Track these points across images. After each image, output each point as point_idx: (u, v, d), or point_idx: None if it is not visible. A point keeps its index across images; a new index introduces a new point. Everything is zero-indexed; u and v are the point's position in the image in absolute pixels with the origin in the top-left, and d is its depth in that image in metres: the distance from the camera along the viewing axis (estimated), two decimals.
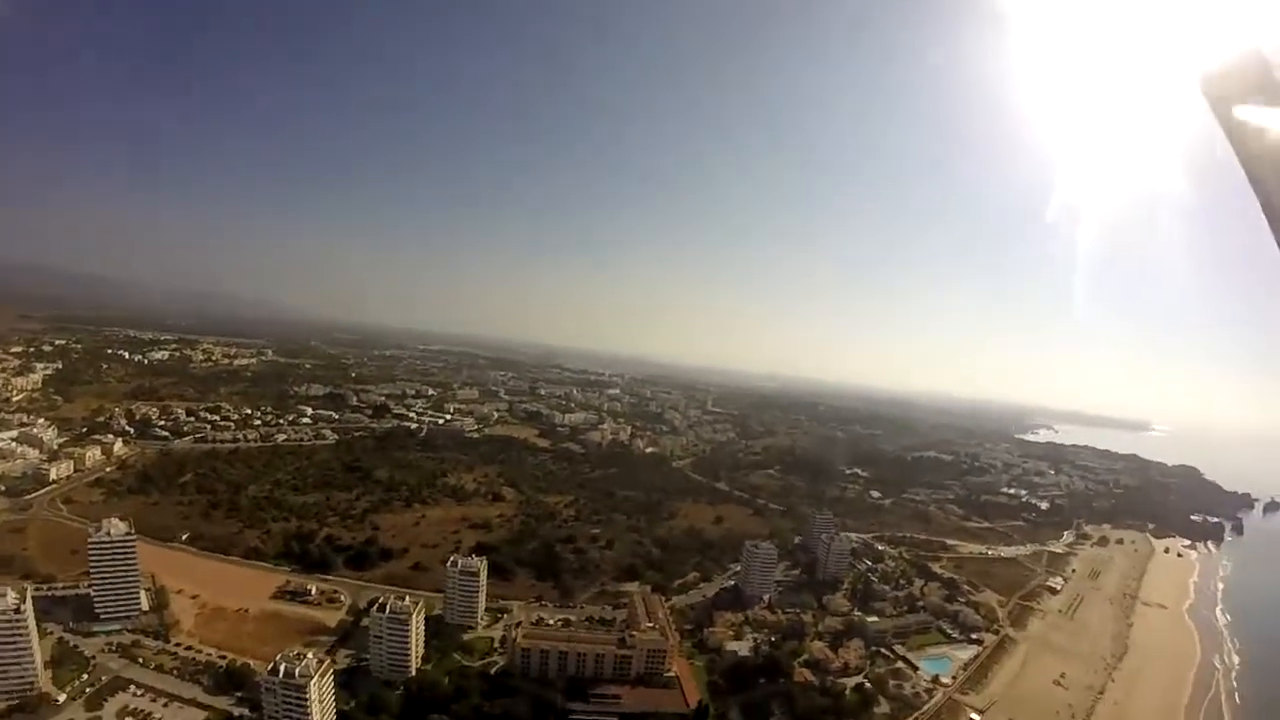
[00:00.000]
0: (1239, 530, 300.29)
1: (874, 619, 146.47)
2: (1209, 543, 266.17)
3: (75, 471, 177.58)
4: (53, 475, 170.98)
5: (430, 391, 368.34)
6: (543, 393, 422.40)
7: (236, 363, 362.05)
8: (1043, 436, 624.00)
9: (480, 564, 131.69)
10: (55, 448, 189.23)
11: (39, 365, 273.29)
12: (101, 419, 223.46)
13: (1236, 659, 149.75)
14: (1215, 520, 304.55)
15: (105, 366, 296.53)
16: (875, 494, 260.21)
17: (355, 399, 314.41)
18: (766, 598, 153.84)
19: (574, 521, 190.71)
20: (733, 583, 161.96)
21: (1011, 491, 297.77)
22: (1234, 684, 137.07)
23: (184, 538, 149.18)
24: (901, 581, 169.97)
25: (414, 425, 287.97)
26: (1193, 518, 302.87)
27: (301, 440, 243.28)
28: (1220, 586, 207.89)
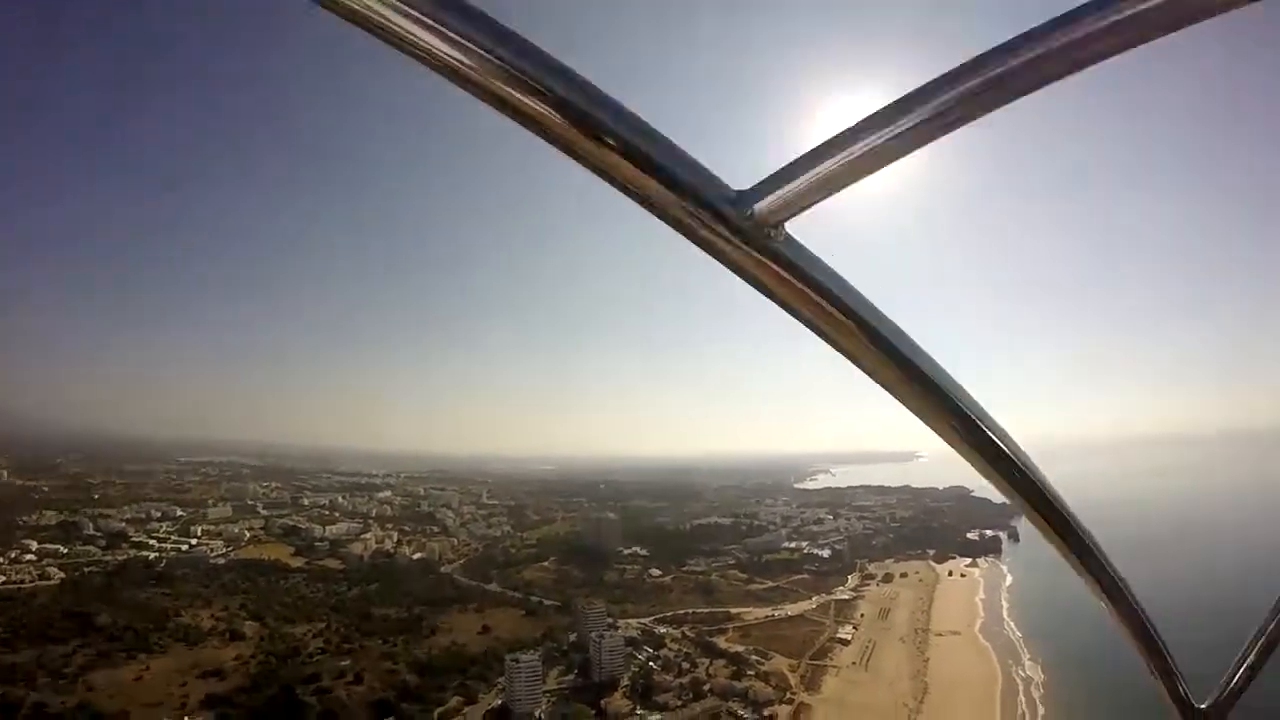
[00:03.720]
0: (1015, 538, 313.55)
1: (657, 716, 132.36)
2: (989, 557, 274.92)
3: None
4: None
5: (179, 512, 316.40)
6: (306, 503, 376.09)
7: None
8: (821, 482, 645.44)
9: None
10: None
11: None
12: None
13: (1037, 666, 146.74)
14: (991, 534, 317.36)
15: None
16: (655, 572, 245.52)
17: (91, 526, 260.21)
18: (538, 713, 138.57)
19: (321, 655, 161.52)
20: (501, 701, 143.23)
21: (793, 545, 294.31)
22: (1038, 692, 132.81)
23: None
24: (685, 666, 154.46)
25: (153, 555, 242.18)
26: (969, 536, 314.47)
27: (22, 582, 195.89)
28: (1006, 598, 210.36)
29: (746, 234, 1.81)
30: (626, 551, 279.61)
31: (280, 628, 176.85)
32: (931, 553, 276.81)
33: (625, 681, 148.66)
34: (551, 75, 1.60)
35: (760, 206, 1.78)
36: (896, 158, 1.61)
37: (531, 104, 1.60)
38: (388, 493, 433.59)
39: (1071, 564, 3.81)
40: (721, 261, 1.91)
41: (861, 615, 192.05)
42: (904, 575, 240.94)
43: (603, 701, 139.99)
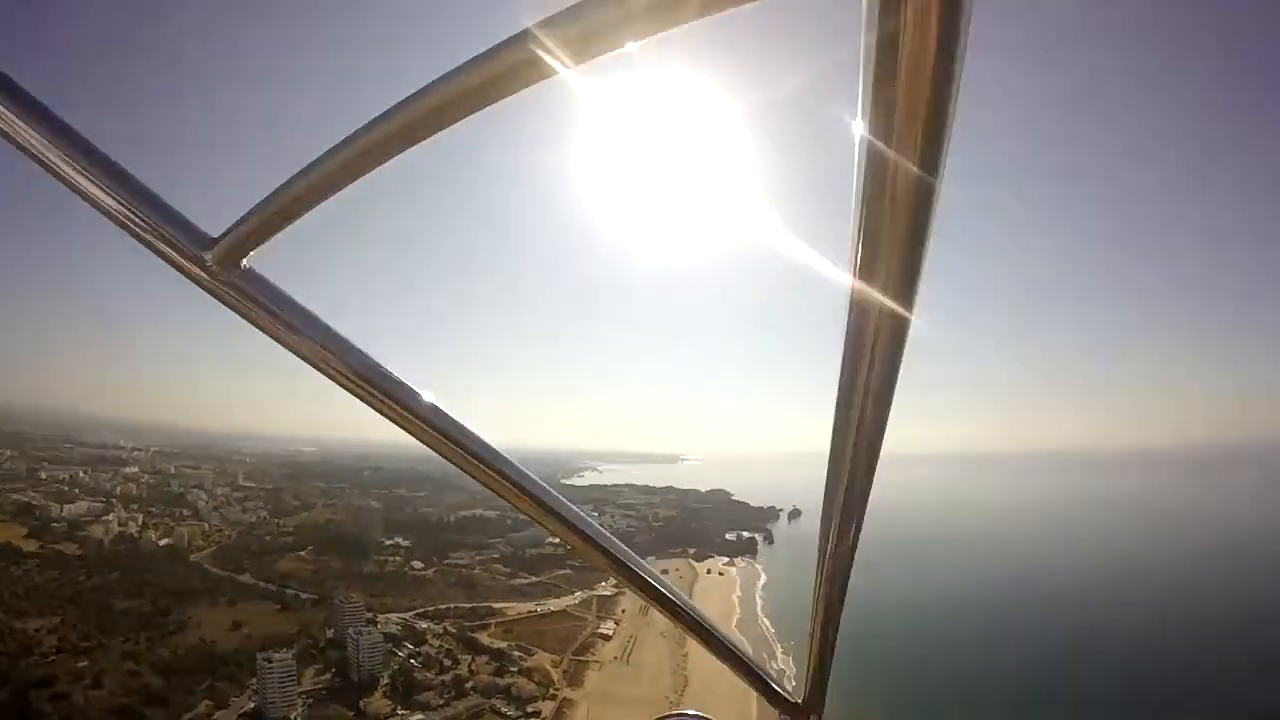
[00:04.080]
0: (770, 540, 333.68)
1: (419, 717, 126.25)
2: (746, 557, 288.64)
3: None
4: None
5: None
6: (44, 476, 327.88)
7: None
8: (588, 479, 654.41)
9: None
10: None
11: None
12: None
13: (789, 659, 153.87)
14: (748, 535, 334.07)
15: None
16: (417, 564, 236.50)
17: None
18: (293, 716, 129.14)
19: (57, 653, 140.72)
20: (254, 704, 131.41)
21: (557, 541, 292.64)
22: (790, 683, 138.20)
23: None
24: (447, 663, 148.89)
25: None
26: (728, 536, 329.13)
27: None
28: (760, 595, 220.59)
29: (214, 271, 2.13)
30: (388, 542, 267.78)
31: (10, 621, 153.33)
32: (692, 551, 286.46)
33: (385, 680, 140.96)
34: (51, 129, 1.72)
35: (225, 244, 2.08)
36: (331, 193, 1.84)
37: (40, 153, 1.69)
38: (135, 468, 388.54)
39: (632, 591, 3.71)
40: (206, 290, 2.20)
41: (623, 611, 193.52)
42: (665, 572, 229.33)
43: (362, 702, 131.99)
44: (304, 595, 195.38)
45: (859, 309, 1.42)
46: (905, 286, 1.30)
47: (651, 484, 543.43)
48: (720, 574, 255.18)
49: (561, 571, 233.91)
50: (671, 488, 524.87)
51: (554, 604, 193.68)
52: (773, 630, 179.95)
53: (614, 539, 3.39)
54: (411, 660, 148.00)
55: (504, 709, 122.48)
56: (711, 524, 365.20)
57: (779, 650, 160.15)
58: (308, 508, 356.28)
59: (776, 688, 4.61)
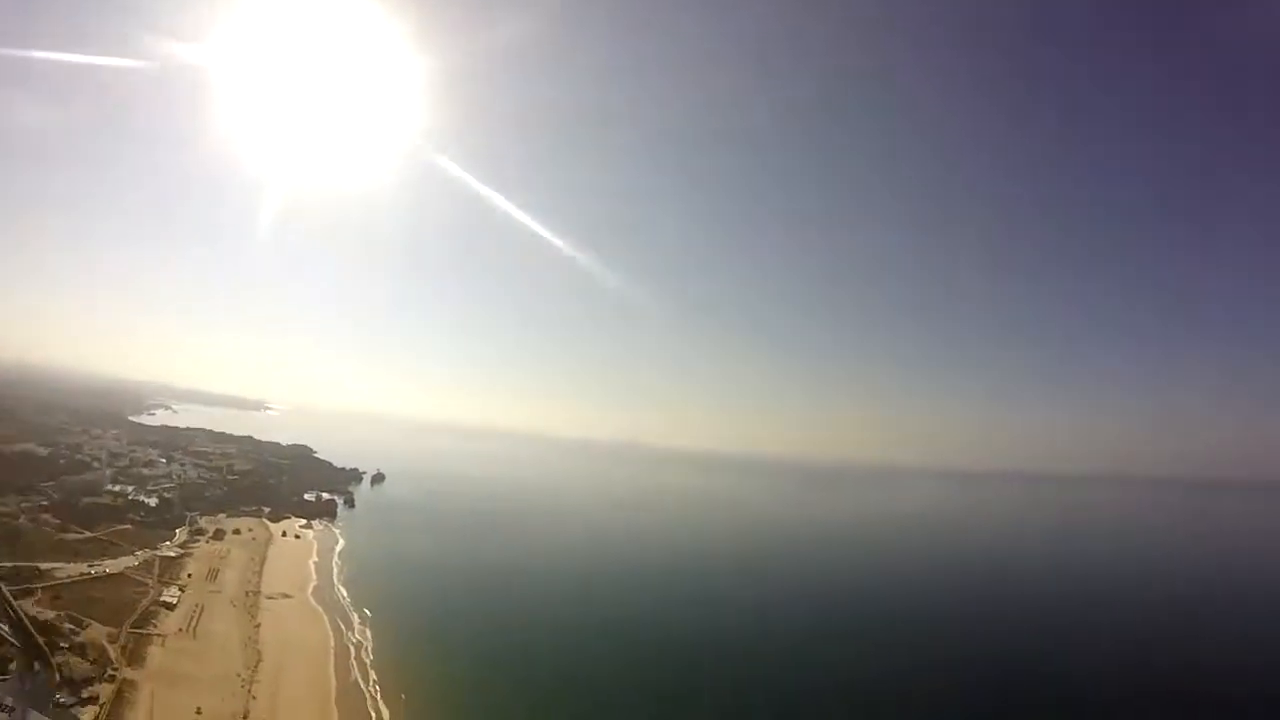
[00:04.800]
0: (350, 504, 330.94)
1: None
2: (324, 519, 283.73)
3: None
4: None
5: None
6: None
7: None
8: (160, 419, 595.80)
9: None
10: None
11: None
12: None
13: (367, 630, 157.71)
14: (328, 497, 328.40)
15: None
16: None
17: None
18: None
19: None
20: None
21: (117, 489, 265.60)
22: (369, 657, 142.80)
23: None
24: None
25: None
26: (307, 497, 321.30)
27: None
28: (338, 562, 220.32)
29: None
30: None
31: None
32: (268, 510, 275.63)
33: None
34: None
35: None
36: None
37: None
38: None
39: None
40: None
41: (189, 575, 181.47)
42: (237, 532, 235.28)
43: None
44: None
45: None
46: None
47: (230, 431, 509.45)
48: (297, 537, 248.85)
49: (121, 527, 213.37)
50: (251, 438, 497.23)
51: (111, 565, 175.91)
52: (349, 599, 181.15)
53: None
54: None
55: (58, 696, 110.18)
56: (290, 482, 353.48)
57: (356, 622, 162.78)
58: None
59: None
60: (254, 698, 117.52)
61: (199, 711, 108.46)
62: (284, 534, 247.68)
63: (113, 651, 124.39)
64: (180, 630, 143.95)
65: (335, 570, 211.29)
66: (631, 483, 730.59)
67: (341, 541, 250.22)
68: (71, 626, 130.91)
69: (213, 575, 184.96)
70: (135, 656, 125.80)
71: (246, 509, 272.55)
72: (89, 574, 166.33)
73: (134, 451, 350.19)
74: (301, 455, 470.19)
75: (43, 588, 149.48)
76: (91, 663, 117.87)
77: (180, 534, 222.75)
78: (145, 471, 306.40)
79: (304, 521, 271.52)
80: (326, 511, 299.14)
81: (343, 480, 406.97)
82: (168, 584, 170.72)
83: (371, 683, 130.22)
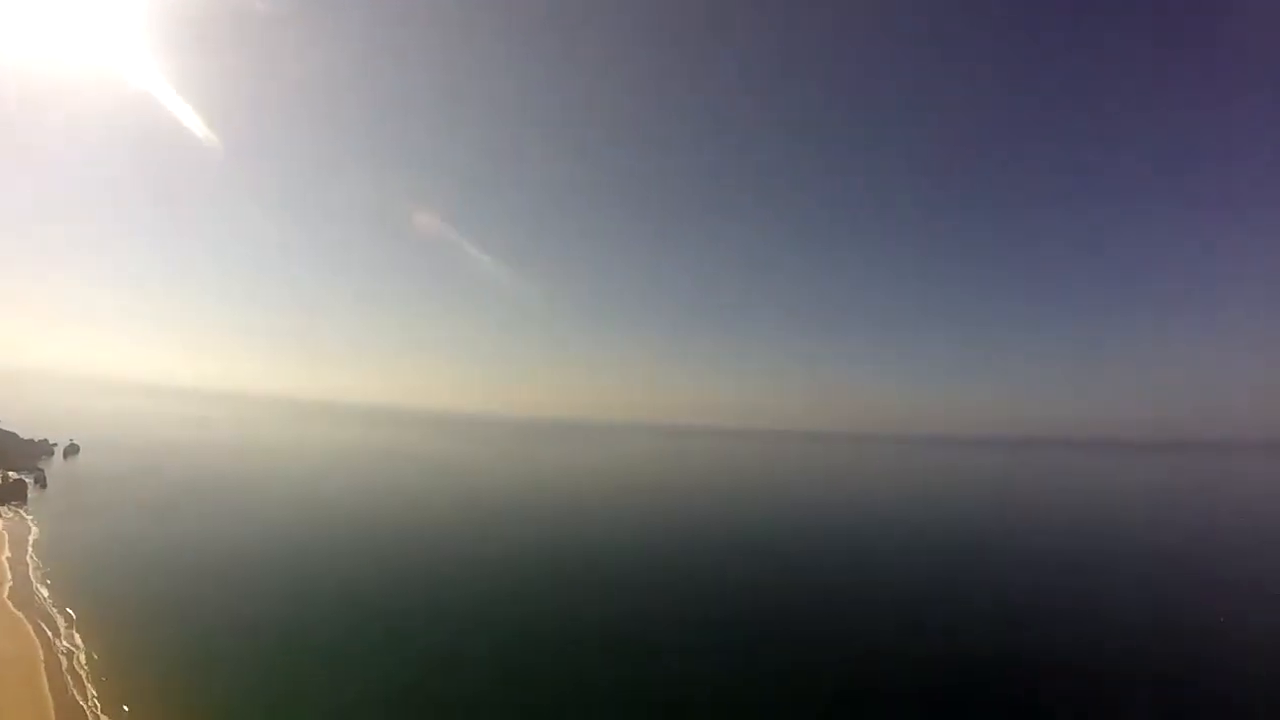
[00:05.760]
0: (42, 483, 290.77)
1: None
2: (13, 504, 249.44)
3: None
4: None
5: None
6: None
7: None
8: None
9: None
10: None
11: None
12: None
13: (78, 636, 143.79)
14: (15, 477, 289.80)
15: None
16: None
17: None
18: None
19: None
20: None
21: None
22: (84, 668, 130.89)
23: None
24: None
25: None
26: None
27: None
28: (34, 556, 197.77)
29: None
30: None
31: None
32: None
33: None
34: None
35: None
36: None
37: None
38: None
39: None
40: None
41: None
42: None
43: None
44: None
45: None
46: None
47: None
48: None
49: None
50: None
51: None
52: (52, 600, 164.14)
53: None
54: None
55: None
56: None
57: (63, 627, 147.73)
58: None
59: None
60: None
61: None
62: None
63: None
64: None
65: (31, 565, 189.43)
66: (327, 442, 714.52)
67: (35, 530, 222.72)
68: None
69: None
70: None
71: None
72: None
73: None
74: None
75: None
76: None
77: None
78: None
79: None
80: (15, 494, 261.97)
81: (31, 454, 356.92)
82: None
83: (90, 697, 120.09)
